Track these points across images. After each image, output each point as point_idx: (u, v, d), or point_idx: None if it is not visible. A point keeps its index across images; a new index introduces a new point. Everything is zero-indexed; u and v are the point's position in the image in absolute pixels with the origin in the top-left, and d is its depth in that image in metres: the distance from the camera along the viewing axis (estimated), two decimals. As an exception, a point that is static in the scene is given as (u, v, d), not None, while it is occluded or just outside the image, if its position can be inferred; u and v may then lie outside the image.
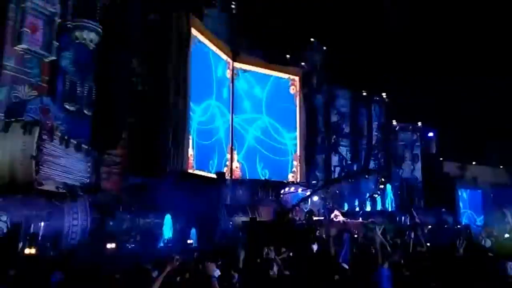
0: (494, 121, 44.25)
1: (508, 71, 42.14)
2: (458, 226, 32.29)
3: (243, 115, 36.69)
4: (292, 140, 39.25)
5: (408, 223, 29.20)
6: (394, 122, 45.77)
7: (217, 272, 9.04)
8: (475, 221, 42.05)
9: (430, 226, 29.65)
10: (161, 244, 21.39)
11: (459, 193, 44.55)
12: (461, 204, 44.32)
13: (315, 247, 13.39)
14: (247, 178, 33.46)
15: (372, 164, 43.16)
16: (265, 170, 35.54)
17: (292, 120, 39.52)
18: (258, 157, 36.59)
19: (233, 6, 36.08)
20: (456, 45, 46.47)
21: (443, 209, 38.10)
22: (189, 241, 22.27)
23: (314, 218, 27.65)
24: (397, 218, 31.88)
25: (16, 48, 21.56)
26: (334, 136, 42.39)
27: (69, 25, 23.75)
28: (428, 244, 13.83)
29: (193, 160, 30.11)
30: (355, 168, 41.02)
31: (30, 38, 21.91)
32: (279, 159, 37.90)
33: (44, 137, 20.04)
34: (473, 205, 44.97)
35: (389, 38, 43.95)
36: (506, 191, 44.83)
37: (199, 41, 31.55)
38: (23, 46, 21.65)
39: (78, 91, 23.90)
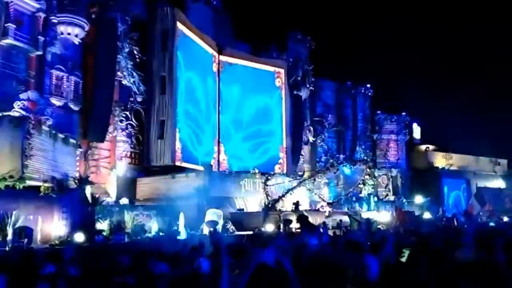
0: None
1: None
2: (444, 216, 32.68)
3: (230, 108, 36.94)
4: (279, 132, 39.58)
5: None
6: (379, 112, 46.18)
7: None
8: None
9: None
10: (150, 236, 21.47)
11: (444, 182, 44.95)
12: (445, 193, 44.72)
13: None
14: (234, 170, 33.67)
15: (357, 154, 43.56)
16: (252, 162, 35.82)
17: (278, 112, 39.80)
18: (245, 149, 36.94)
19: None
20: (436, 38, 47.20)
21: (428, 198, 38.56)
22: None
23: (301, 209, 27.99)
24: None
25: (1, 43, 21.69)
26: (320, 128, 42.73)
27: (54, 20, 23.89)
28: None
29: (181, 153, 30.39)
30: (341, 158, 41.36)
31: (15, 33, 22.04)
32: (265, 151, 38.25)
33: (32, 131, 20.24)
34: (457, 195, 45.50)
35: (374, 30, 44.49)
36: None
37: (184, 35, 31.70)
38: (9, 41, 21.78)
39: (65, 86, 24.07)
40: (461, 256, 6.65)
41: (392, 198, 41.19)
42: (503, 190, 45.35)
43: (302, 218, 13.96)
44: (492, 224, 22.97)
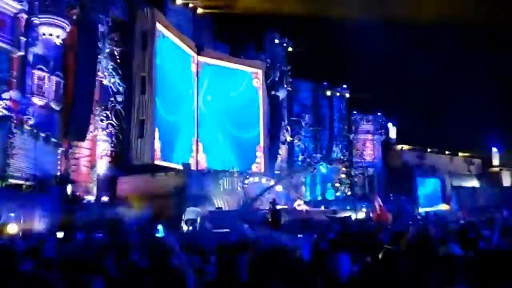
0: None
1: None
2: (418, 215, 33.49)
3: (209, 108, 37.38)
4: (256, 132, 40.12)
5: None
6: (355, 112, 46.95)
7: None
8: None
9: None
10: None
11: (418, 181, 45.61)
12: (419, 192, 45.33)
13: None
14: (212, 169, 34.08)
15: (333, 154, 44.24)
16: (231, 161, 36.26)
17: (256, 112, 40.35)
18: (223, 149, 37.37)
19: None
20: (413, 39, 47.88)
21: (403, 197, 39.40)
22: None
23: (278, 207, 28.47)
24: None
25: (-16, 44, 21.99)
26: (297, 127, 43.37)
27: (36, 21, 24.16)
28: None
29: (160, 152, 30.81)
30: (317, 158, 41.97)
31: (-2, 34, 22.34)
32: (243, 150, 38.69)
33: (14, 130, 20.57)
34: (431, 193, 46.26)
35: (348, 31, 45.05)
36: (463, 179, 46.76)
37: (164, 36, 32.13)
38: (-9, 42, 22.08)
39: (46, 86, 24.34)
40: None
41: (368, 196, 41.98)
42: (477, 189, 46.37)
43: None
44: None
